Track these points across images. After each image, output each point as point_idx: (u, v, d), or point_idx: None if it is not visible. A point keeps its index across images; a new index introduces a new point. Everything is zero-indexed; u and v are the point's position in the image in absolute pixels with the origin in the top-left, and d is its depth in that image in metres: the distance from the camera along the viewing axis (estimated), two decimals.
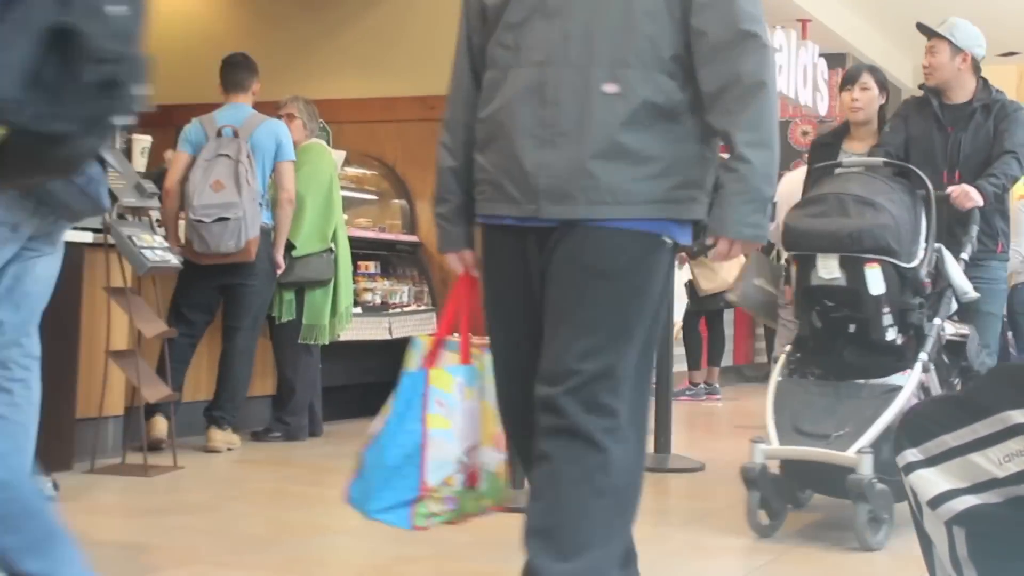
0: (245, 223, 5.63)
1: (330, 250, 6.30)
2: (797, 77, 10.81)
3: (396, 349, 7.73)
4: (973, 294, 4.25)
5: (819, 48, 11.44)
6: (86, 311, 5.05)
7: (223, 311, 6.01)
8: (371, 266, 7.40)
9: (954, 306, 4.27)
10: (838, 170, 4.61)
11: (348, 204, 7.14)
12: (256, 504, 4.80)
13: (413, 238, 7.92)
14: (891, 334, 4.04)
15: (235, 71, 6.08)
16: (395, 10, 8.42)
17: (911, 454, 2.25)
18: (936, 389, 4.21)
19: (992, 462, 2.13)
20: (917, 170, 4.33)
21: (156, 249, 5.09)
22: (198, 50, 7.04)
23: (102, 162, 2.94)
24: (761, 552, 3.98)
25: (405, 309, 7.45)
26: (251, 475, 5.45)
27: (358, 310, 6.86)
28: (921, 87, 5.11)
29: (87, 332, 5.08)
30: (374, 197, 8.14)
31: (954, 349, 4.40)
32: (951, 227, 4.63)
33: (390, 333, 7.20)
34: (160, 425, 5.57)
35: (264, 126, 5.90)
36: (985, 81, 5.03)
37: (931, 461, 2.23)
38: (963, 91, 4.97)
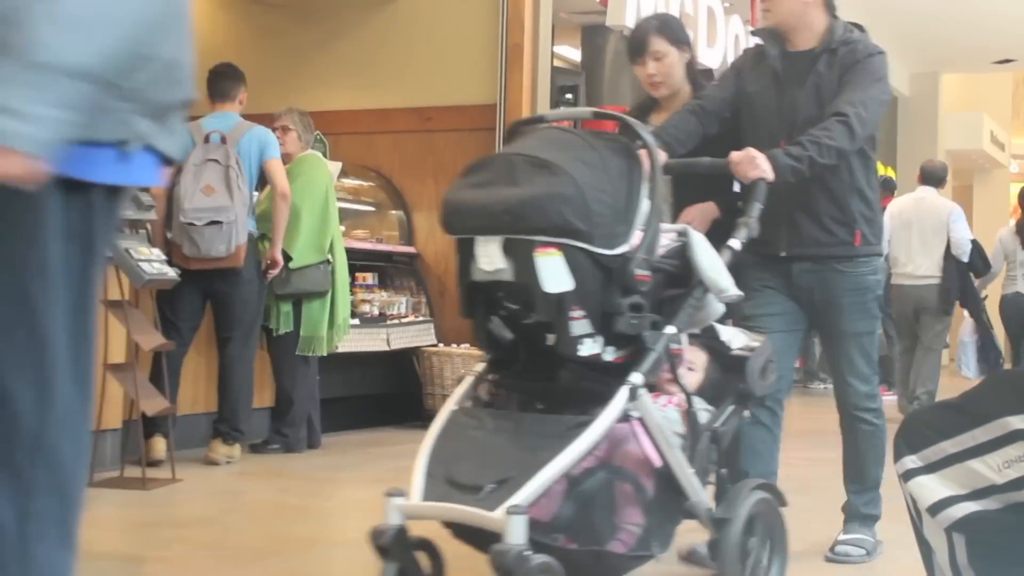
0: (236, 228, 5.65)
1: (327, 261, 6.29)
2: None
3: (394, 360, 7.76)
4: (733, 292, 3.13)
5: None
6: None
7: (214, 322, 6.01)
8: (369, 277, 7.40)
9: (719, 309, 3.20)
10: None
11: (346, 215, 7.15)
12: (255, 516, 4.79)
13: (411, 249, 7.92)
14: (589, 347, 2.86)
15: (221, 80, 6.10)
16: (391, 21, 8.43)
17: (910, 461, 2.25)
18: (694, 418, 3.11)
19: (991, 468, 2.13)
20: (637, 125, 3.09)
21: (153, 262, 5.09)
22: (195, 62, 7.02)
23: None
24: None
25: (403, 320, 7.45)
26: (250, 487, 5.43)
27: (356, 321, 6.85)
28: (754, 33, 4.06)
29: None
30: (371, 208, 8.14)
31: (741, 368, 3.31)
32: (790, 210, 3.77)
33: (388, 344, 7.19)
34: (159, 446, 5.56)
35: (250, 133, 5.92)
36: (836, 20, 3.88)
37: (930, 468, 2.23)
38: (809, 34, 3.84)
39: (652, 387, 3.01)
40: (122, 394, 5.34)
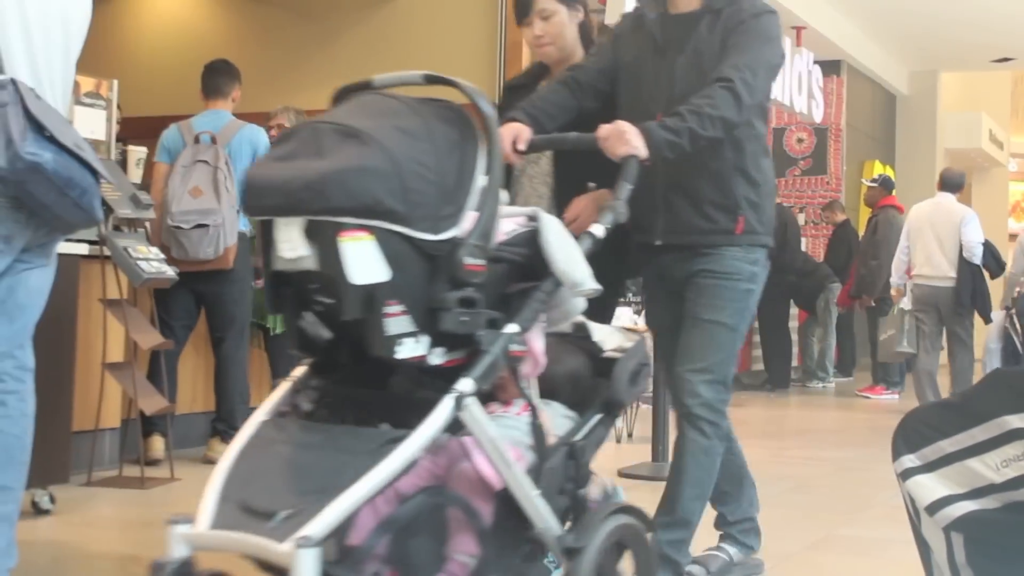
0: (224, 230, 5.63)
1: None
2: (792, 84, 10.85)
3: None
4: (590, 286, 2.66)
5: (813, 55, 11.46)
6: (82, 323, 5.04)
7: (207, 322, 6.01)
8: None
9: (579, 305, 2.74)
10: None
11: None
12: None
13: None
14: (411, 348, 2.42)
15: (215, 77, 6.10)
16: (390, 20, 8.43)
17: (908, 460, 2.25)
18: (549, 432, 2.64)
19: (990, 467, 2.13)
20: (473, 90, 2.56)
21: (152, 260, 5.08)
22: (192, 62, 7.08)
23: (95, 174, 2.94)
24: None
25: None
26: None
27: None
28: None
29: (83, 344, 5.07)
30: None
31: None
32: (666, 192, 3.33)
33: None
34: (157, 445, 5.57)
35: (241, 133, 5.90)
36: None
37: (929, 467, 2.22)
38: None
39: (491, 395, 2.62)
40: (120, 393, 5.34)
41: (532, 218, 2.65)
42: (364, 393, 2.61)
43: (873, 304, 10.74)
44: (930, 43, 14.86)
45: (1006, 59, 15.87)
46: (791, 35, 11.26)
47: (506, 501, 2.50)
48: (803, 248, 11.96)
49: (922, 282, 9.01)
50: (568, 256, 2.64)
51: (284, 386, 2.60)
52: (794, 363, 11.66)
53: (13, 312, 2.97)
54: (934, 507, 2.18)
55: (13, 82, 2.79)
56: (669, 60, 3.34)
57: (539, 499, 2.53)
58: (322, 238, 2.34)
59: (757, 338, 11.22)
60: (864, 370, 12.08)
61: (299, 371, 2.63)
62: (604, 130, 3.05)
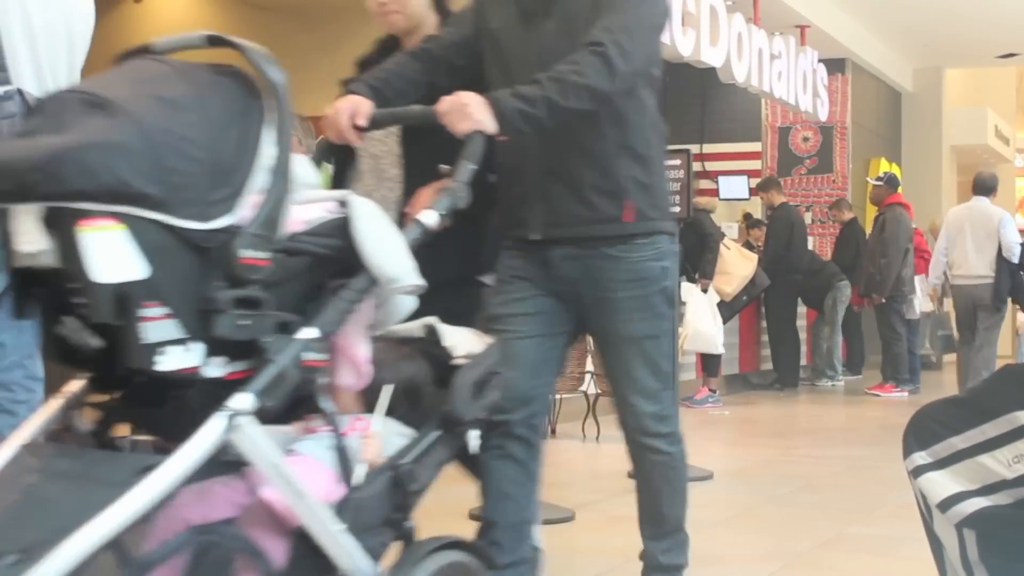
0: None
1: None
2: (796, 83, 10.86)
3: None
4: (411, 281, 2.29)
5: (818, 54, 11.46)
6: None
7: None
8: None
9: (406, 305, 2.37)
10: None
11: None
12: None
13: None
14: (177, 357, 2.01)
15: None
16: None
17: (919, 457, 2.25)
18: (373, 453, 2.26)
19: (1001, 463, 2.13)
20: (257, 54, 2.22)
21: None
22: None
23: None
24: (771, 559, 3.97)
25: None
26: None
27: None
28: None
29: None
30: None
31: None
32: (541, 179, 2.86)
33: None
34: None
35: None
36: None
37: (940, 464, 2.22)
38: None
39: (308, 410, 2.27)
40: None
41: (343, 203, 2.26)
42: (152, 411, 2.25)
43: (884, 302, 10.74)
44: (934, 39, 14.86)
45: (1011, 54, 15.85)
46: (795, 34, 11.26)
47: (305, 538, 2.14)
48: (810, 247, 11.96)
49: (961, 283, 9.42)
50: (384, 247, 2.26)
51: (54, 403, 2.23)
52: (804, 362, 11.66)
53: (22, 322, 2.97)
54: (946, 504, 2.18)
55: (20, 92, 2.80)
56: (537, 26, 2.87)
57: (344, 535, 2.15)
58: (61, 228, 1.95)
59: (765, 337, 11.22)
60: (873, 368, 12.07)
61: (74, 385, 2.25)
62: (445, 103, 2.61)
